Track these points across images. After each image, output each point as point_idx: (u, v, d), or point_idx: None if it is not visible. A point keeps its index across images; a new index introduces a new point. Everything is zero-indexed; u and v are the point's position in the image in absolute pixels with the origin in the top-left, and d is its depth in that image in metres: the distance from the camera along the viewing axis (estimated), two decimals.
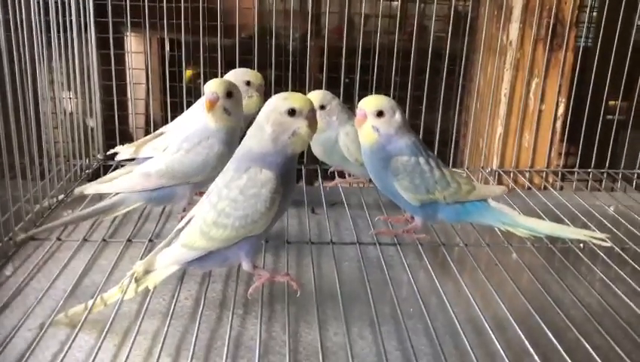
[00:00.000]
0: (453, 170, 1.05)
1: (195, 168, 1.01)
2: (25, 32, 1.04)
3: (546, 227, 0.99)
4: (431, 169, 0.95)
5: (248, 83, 1.15)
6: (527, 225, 0.97)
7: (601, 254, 0.99)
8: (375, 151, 0.97)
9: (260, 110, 0.94)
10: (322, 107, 1.15)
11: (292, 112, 0.77)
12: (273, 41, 1.40)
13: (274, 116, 0.78)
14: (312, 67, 1.49)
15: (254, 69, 1.37)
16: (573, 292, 0.86)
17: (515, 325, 0.77)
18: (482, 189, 1.00)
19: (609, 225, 1.12)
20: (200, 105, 1.17)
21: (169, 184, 1.02)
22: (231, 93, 0.99)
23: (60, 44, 1.22)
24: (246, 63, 1.36)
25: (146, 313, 0.79)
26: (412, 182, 0.95)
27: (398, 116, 0.95)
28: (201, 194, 1.04)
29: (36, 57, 1.10)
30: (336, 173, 1.32)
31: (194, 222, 0.80)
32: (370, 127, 0.95)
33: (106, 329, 0.74)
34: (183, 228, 0.82)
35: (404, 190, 0.95)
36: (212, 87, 0.98)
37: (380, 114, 0.95)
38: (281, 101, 0.78)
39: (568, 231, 0.99)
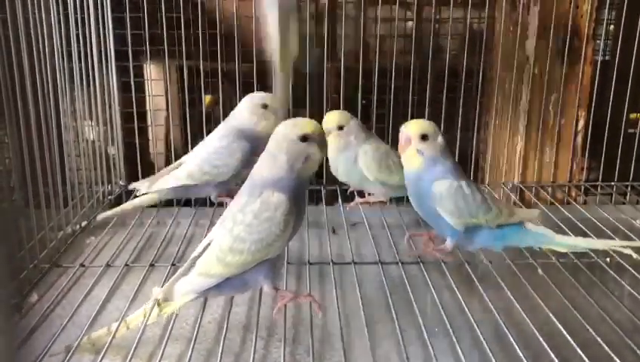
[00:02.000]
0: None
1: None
2: (48, 63, 1.06)
3: (586, 242, 0.97)
4: (472, 192, 0.94)
5: (265, 106, 1.16)
6: (567, 244, 0.96)
7: (629, 268, 0.97)
8: (421, 174, 0.95)
9: (270, 131, 1.01)
10: (341, 127, 1.15)
11: (304, 138, 0.78)
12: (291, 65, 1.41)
13: (286, 144, 0.78)
14: (328, 89, 1.49)
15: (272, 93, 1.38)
16: (602, 307, 0.85)
17: (544, 342, 0.75)
18: (520, 213, 0.99)
19: (636, 238, 1.10)
20: (221, 128, 1.18)
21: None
22: None
23: (81, 73, 1.24)
24: (264, 88, 1.37)
25: (169, 338, 0.79)
26: (456, 205, 0.93)
27: (440, 139, 0.95)
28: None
29: (59, 87, 1.12)
30: (355, 193, 1.32)
31: (210, 250, 0.80)
32: (414, 151, 0.95)
33: (130, 355, 0.74)
34: (199, 256, 0.81)
35: (448, 214, 0.94)
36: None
37: (424, 137, 0.94)
38: (292, 128, 0.79)
39: (609, 244, 0.97)
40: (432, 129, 0.95)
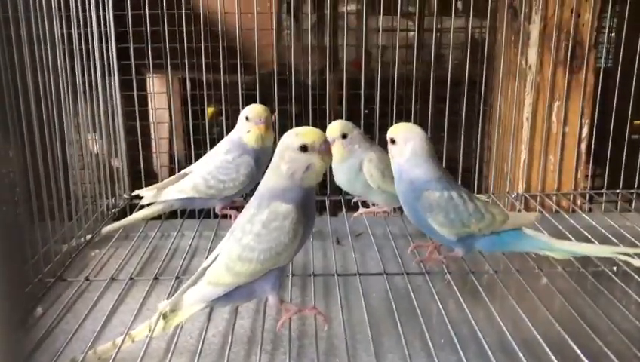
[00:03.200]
0: (478, 195, 1.04)
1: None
2: (51, 77, 1.07)
3: (585, 248, 0.97)
4: (464, 202, 0.93)
5: (247, 118, 1.17)
6: (565, 249, 0.95)
7: (636, 277, 0.97)
8: (398, 179, 0.97)
9: (256, 143, 1.14)
10: (344, 136, 1.15)
11: (304, 148, 0.78)
12: (293, 76, 1.42)
13: (287, 154, 0.78)
14: (331, 100, 1.50)
15: (275, 104, 1.39)
16: (609, 317, 0.84)
17: (550, 353, 0.75)
18: (516, 218, 0.98)
19: None
20: (227, 142, 1.19)
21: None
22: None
23: (84, 87, 1.25)
24: (267, 99, 1.38)
25: (174, 351, 0.79)
26: (447, 217, 0.93)
27: (409, 145, 0.93)
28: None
29: (62, 101, 1.13)
30: (359, 204, 1.32)
31: (219, 260, 0.81)
32: (391, 154, 0.97)
33: None
34: (209, 266, 0.82)
35: (439, 226, 0.94)
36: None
37: (392, 141, 0.95)
38: (293, 138, 0.79)
39: (608, 250, 0.96)
40: (402, 133, 0.94)
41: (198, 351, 0.78)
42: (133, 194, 1.29)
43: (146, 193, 1.20)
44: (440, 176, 0.94)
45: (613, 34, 1.80)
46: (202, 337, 0.82)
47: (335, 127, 1.16)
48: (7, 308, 0.33)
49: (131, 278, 1.03)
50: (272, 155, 0.81)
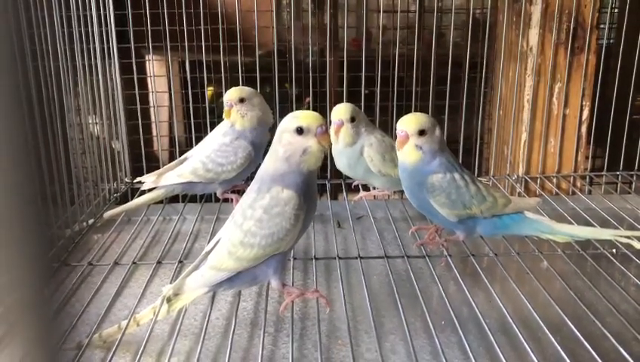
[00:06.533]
0: (479, 178, 1.04)
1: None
2: (51, 61, 1.07)
3: (586, 231, 0.97)
4: (466, 184, 0.94)
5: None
6: (566, 233, 0.96)
7: (635, 259, 0.98)
8: (417, 168, 0.94)
9: (237, 123, 1.14)
10: (353, 119, 1.12)
11: (300, 131, 0.77)
12: (293, 57, 1.42)
13: (284, 136, 0.78)
14: (331, 81, 1.49)
15: (275, 86, 1.38)
16: (608, 299, 0.85)
17: (550, 335, 0.76)
18: (518, 202, 0.99)
19: None
20: (224, 125, 1.19)
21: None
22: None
23: (84, 70, 1.24)
24: (266, 80, 1.37)
25: (178, 334, 0.80)
26: (448, 198, 0.93)
27: (438, 132, 0.94)
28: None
29: (62, 84, 1.12)
30: (360, 187, 1.32)
31: (221, 244, 0.81)
32: (413, 146, 0.93)
33: (140, 351, 0.75)
34: (211, 251, 0.82)
35: (440, 207, 0.94)
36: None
37: (422, 132, 0.93)
38: (290, 120, 0.79)
39: (609, 233, 0.97)
40: (430, 123, 0.94)
41: (202, 334, 0.79)
42: (135, 180, 1.28)
43: (147, 179, 1.20)
44: (447, 158, 0.95)
45: (616, 10, 1.79)
46: (206, 320, 0.82)
47: (345, 110, 1.12)
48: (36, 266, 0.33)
49: (134, 263, 1.04)
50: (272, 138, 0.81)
